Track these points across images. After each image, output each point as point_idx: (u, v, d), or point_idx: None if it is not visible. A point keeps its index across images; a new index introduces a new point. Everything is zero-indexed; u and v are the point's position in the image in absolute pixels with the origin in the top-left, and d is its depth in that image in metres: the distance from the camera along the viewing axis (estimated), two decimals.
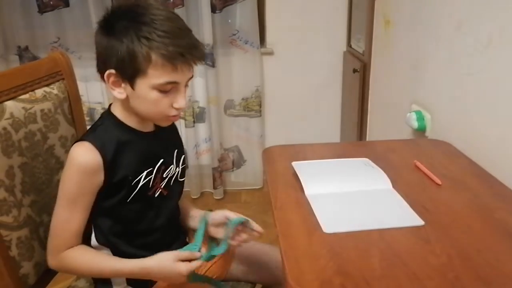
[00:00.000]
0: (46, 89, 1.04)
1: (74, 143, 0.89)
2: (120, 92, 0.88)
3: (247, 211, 2.45)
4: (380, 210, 0.91)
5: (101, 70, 0.88)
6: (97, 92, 2.45)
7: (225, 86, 2.49)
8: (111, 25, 0.85)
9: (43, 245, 0.99)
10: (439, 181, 1.01)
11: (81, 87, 2.38)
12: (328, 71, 2.55)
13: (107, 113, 0.95)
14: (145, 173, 0.94)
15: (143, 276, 0.91)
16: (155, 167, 0.96)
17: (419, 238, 0.80)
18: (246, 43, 2.41)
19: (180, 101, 0.88)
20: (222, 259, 1.07)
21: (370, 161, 1.12)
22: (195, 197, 2.62)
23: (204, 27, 2.29)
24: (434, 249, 0.77)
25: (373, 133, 2.10)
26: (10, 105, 0.93)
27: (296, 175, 1.04)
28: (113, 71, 0.85)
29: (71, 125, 1.09)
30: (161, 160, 0.97)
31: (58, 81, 1.07)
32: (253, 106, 2.55)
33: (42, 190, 1.00)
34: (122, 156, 0.90)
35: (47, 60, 1.07)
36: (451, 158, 1.17)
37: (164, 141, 1.00)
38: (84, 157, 0.86)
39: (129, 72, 0.85)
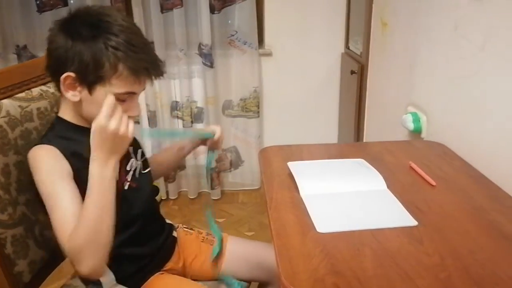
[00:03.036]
0: (43, 87, 1.05)
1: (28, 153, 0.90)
2: (74, 95, 0.88)
3: (244, 212, 2.46)
4: (374, 210, 0.92)
5: (55, 71, 0.88)
6: None
7: (223, 86, 2.49)
8: (77, 29, 0.86)
9: (38, 243, 0.99)
10: (433, 182, 1.02)
11: None
12: (326, 73, 2.55)
13: (56, 122, 0.96)
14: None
15: (97, 155, 0.83)
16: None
17: (412, 238, 0.81)
18: (244, 44, 2.42)
19: (135, 110, 0.92)
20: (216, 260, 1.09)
21: (365, 162, 1.12)
22: (192, 197, 2.62)
23: (203, 27, 2.30)
24: (426, 249, 0.77)
25: (370, 134, 2.11)
26: (6, 103, 0.93)
27: (292, 175, 1.04)
28: (72, 74, 0.86)
29: None
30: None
31: None
32: (251, 107, 2.55)
33: None
34: (80, 152, 0.89)
35: (44, 59, 1.07)
36: (445, 160, 1.17)
37: None
38: (43, 149, 0.89)
39: (90, 78, 0.86)
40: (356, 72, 2.13)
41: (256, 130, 2.59)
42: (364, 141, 2.17)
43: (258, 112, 2.55)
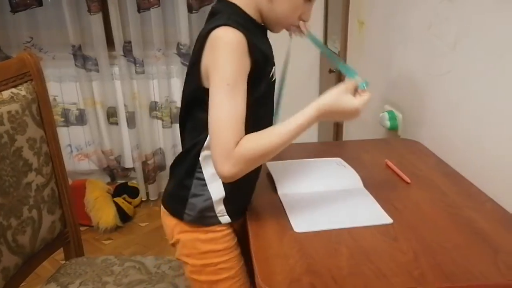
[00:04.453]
0: (14, 90, 1.02)
1: (209, 30, 0.79)
2: None
3: None
4: (351, 209, 0.92)
5: None
6: (71, 93, 2.41)
7: None
8: None
9: (11, 249, 0.97)
10: (408, 180, 1.03)
11: (55, 87, 2.39)
12: (305, 71, 2.56)
13: (230, 10, 0.85)
14: (272, 69, 0.90)
15: (320, 118, 0.81)
16: (272, 67, 0.91)
17: (387, 236, 0.82)
18: None
19: (308, 16, 0.90)
20: None
21: (342, 161, 1.13)
22: None
23: (180, 27, 2.28)
24: (401, 247, 0.78)
25: (350, 132, 2.13)
26: None
27: (270, 175, 1.04)
28: None
29: (39, 126, 1.07)
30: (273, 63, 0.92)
31: (26, 82, 1.05)
32: None
33: (9, 193, 0.97)
34: (262, 49, 0.84)
35: (15, 61, 1.05)
36: (420, 157, 1.19)
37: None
38: (233, 35, 0.77)
39: None
40: (334, 71, 2.14)
41: None
42: (343, 139, 2.19)
43: None
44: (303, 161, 1.16)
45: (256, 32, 0.85)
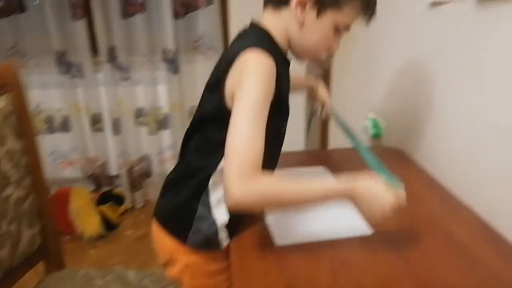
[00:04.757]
0: None
1: (239, 50, 0.77)
2: (301, 14, 0.82)
3: None
4: (332, 220, 0.93)
5: None
6: (55, 99, 2.39)
7: (189, 92, 2.47)
8: None
9: None
10: None
11: (39, 94, 2.36)
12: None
13: (261, 34, 0.85)
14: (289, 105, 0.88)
15: (345, 196, 0.76)
16: (288, 102, 0.90)
17: (366, 248, 0.82)
18: (210, 50, 2.40)
19: (336, 48, 0.89)
20: None
21: (325, 170, 1.13)
22: None
23: (166, 33, 2.27)
24: (380, 259, 0.79)
25: (336, 140, 2.14)
26: None
27: None
28: None
29: (19, 138, 1.06)
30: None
31: (4, 93, 1.03)
32: None
33: None
34: (282, 76, 0.82)
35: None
36: (402, 166, 1.20)
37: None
38: (266, 60, 0.76)
39: (328, 0, 0.81)
40: (320, 78, 2.15)
41: None
42: (330, 147, 2.20)
43: None
44: (286, 170, 1.16)
45: (282, 63, 0.84)
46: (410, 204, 0.98)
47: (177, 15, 2.27)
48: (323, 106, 1.26)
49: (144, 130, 2.46)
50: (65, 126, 2.45)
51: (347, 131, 1.08)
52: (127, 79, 2.34)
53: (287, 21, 0.84)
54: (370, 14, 0.86)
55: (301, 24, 0.83)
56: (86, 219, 2.23)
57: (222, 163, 0.84)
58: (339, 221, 0.92)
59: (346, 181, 0.75)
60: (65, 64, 2.30)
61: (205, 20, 2.34)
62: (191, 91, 2.47)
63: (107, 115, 2.41)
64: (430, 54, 1.17)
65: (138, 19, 2.24)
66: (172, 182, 0.95)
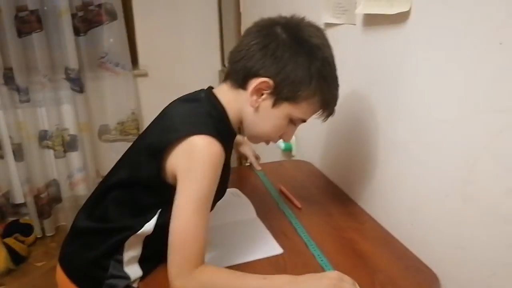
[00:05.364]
0: None
1: (184, 137, 0.74)
2: (257, 101, 0.81)
3: None
4: (247, 242, 0.94)
5: (256, 69, 0.79)
6: None
7: (97, 111, 2.38)
8: (304, 44, 0.79)
9: None
10: (299, 205, 1.09)
11: None
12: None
13: (213, 104, 0.83)
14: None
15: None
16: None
17: (277, 268, 0.85)
18: (117, 66, 2.33)
19: (290, 137, 0.89)
20: None
21: (238, 191, 1.16)
22: None
23: (67, 51, 2.17)
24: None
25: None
26: None
27: None
28: (271, 82, 0.79)
29: None
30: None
31: None
32: (130, 130, 2.47)
33: None
34: (226, 162, 0.80)
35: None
36: (311, 179, 1.26)
37: None
38: (215, 150, 0.74)
39: (285, 93, 0.80)
40: None
41: None
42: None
43: (138, 134, 2.47)
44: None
45: (228, 141, 0.83)
46: (319, 217, 1.04)
47: (78, 31, 2.17)
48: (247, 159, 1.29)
49: (50, 153, 2.32)
50: None
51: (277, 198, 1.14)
52: (27, 101, 2.19)
53: (242, 102, 0.83)
54: (328, 114, 0.87)
55: (256, 109, 0.83)
56: None
57: (146, 226, 0.82)
58: (254, 243, 0.94)
59: (288, 277, 0.76)
60: None
61: (110, 35, 2.27)
62: (100, 110, 2.38)
63: (7, 140, 2.23)
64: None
65: (35, 38, 2.10)
66: (87, 232, 0.89)
